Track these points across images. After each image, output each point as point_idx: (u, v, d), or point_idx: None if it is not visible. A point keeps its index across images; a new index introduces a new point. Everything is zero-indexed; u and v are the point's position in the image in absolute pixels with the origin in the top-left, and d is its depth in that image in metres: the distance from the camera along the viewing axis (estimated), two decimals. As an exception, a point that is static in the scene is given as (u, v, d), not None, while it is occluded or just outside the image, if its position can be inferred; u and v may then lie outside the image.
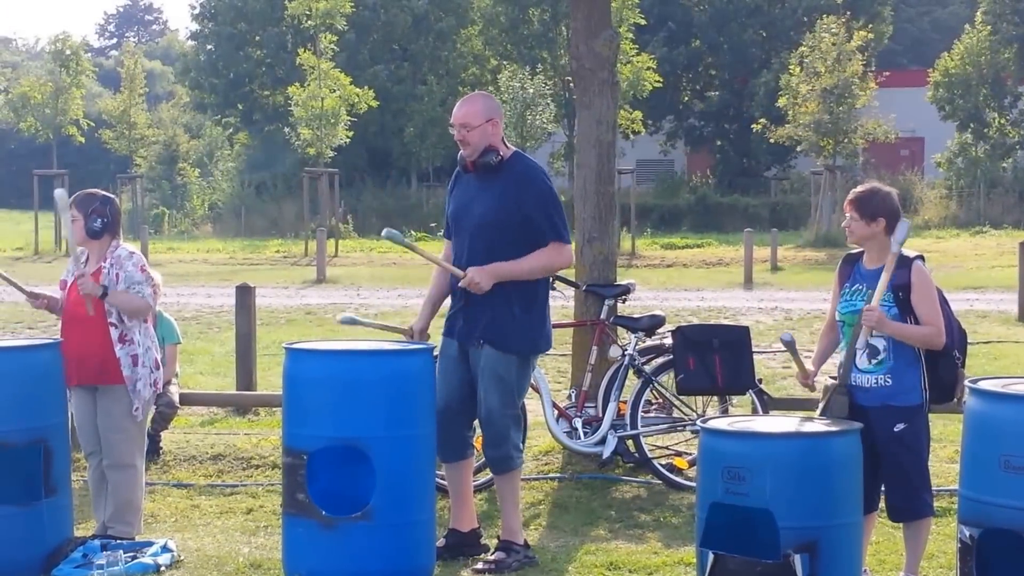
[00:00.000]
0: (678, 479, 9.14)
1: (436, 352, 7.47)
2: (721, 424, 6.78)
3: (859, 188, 7.12)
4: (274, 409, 11.13)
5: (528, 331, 7.43)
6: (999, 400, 5.89)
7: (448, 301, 7.65)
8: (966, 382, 6.10)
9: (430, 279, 7.78)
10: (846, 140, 38.08)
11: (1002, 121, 48.41)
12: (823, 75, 37.62)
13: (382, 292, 23.99)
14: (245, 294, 12.40)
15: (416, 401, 7.05)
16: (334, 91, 39.52)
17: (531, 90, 40.60)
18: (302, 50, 41.71)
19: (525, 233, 7.37)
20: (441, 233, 8.46)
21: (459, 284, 7.36)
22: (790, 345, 6.86)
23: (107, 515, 7.84)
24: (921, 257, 7.00)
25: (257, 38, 56.45)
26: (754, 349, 9.68)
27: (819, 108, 37.50)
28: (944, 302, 6.96)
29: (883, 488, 7.09)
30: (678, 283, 26.80)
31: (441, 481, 8.50)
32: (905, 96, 48.98)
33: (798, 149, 40.81)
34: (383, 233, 7.75)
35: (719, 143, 53.97)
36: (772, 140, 40.30)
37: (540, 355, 7.70)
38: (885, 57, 54.63)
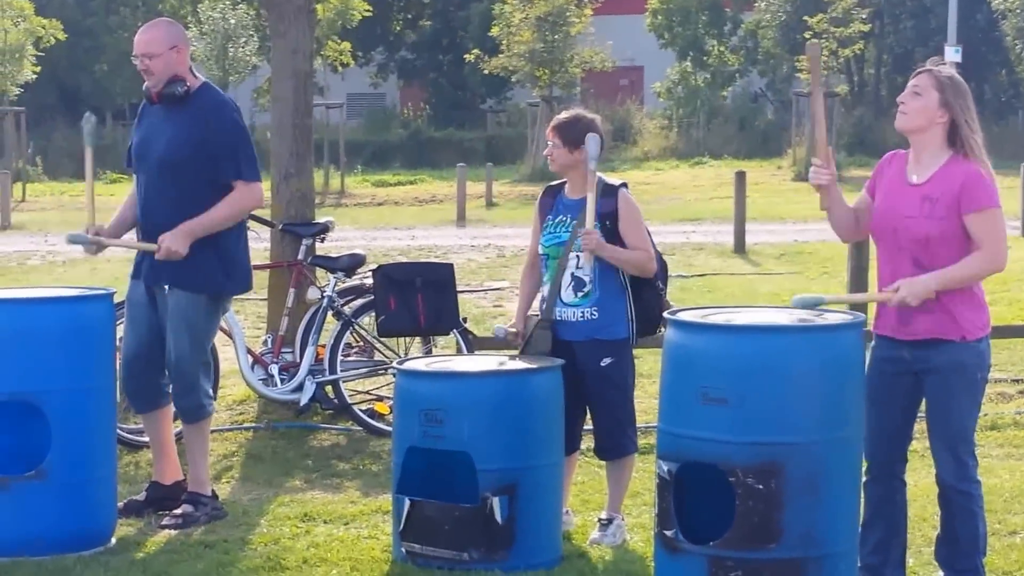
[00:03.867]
0: (379, 425, 8.86)
1: (121, 298, 7.11)
2: (418, 365, 6.71)
3: (562, 115, 6.99)
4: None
5: (217, 271, 7.08)
6: (697, 330, 5.74)
7: None
8: (665, 313, 5.95)
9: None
10: (562, 70, 37.91)
11: (722, 49, 48.71)
12: (536, 3, 37.40)
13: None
14: (-79, 241, 11.68)
15: (94, 351, 6.64)
16: (18, 23, 37.69)
17: (233, 20, 39.31)
18: (-18, -22, 39.52)
19: (211, 171, 7.02)
20: None
21: (156, 257, 6.93)
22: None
23: None
24: (625, 185, 6.87)
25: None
26: (464, 288, 9.47)
27: (533, 37, 37.29)
28: (647, 233, 6.86)
29: (587, 426, 6.96)
30: (389, 222, 26.48)
31: (125, 435, 8.15)
32: (622, 23, 48.61)
33: (513, 80, 40.61)
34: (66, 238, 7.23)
35: (432, 75, 53.49)
36: (487, 71, 40.02)
37: (232, 297, 7.36)
38: (602, -17, 54.65)
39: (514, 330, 6.92)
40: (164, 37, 7.10)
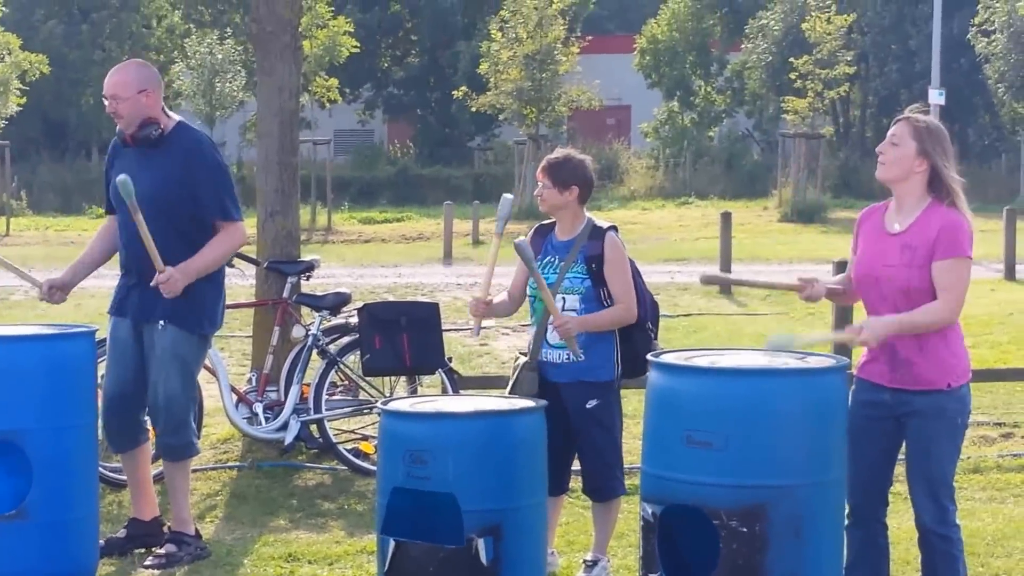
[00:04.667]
0: (364, 464, 8.82)
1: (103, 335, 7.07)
2: (402, 406, 6.60)
3: (553, 155, 7.00)
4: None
5: (207, 309, 7.09)
6: (680, 373, 5.74)
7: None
8: (649, 355, 5.93)
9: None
10: (549, 108, 37.90)
11: (708, 89, 48.90)
12: (525, 41, 37.42)
13: (56, 273, 22.90)
14: (-95, 276, 11.64)
15: (75, 389, 6.61)
16: (3, 57, 37.48)
17: (220, 55, 39.16)
18: (-33, 11, 39.27)
19: (194, 209, 6.99)
20: None
21: (154, 282, 6.86)
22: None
23: None
24: (614, 228, 6.86)
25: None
26: (449, 327, 9.44)
27: (521, 75, 37.30)
28: (637, 274, 6.87)
29: (574, 467, 6.94)
30: (375, 259, 26.41)
31: (107, 474, 8.10)
32: (610, 63, 48.66)
33: (501, 118, 40.58)
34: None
35: (420, 112, 53.46)
36: (474, 109, 40.01)
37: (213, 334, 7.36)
38: (591, 23, 54.63)
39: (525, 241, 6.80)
40: (133, 80, 7.01)
